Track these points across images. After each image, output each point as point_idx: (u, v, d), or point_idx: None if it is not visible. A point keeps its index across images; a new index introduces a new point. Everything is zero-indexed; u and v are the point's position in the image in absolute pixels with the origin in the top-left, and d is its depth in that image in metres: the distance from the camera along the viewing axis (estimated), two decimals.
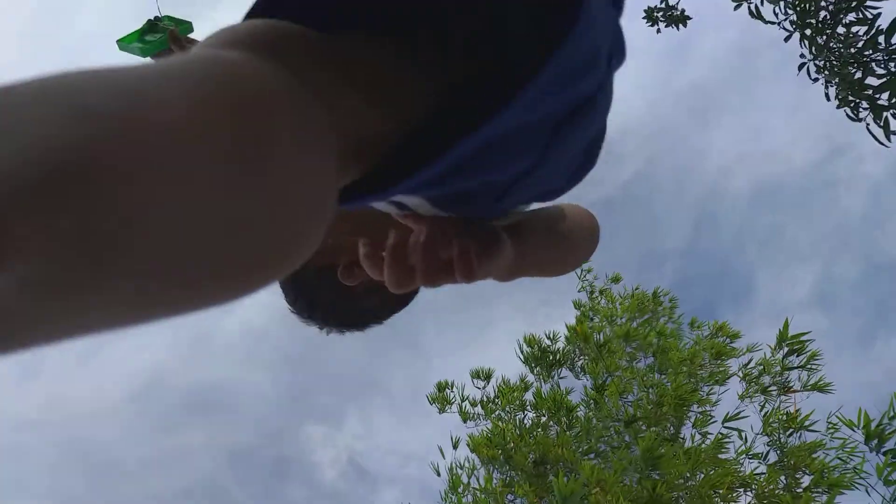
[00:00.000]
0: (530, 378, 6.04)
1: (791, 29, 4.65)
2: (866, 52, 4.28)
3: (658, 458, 4.39)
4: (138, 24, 1.39)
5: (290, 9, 0.41)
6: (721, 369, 5.65)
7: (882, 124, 4.35)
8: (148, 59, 1.40)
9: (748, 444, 5.01)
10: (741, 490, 4.73)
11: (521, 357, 6.03)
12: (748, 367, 5.42)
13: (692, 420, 5.42)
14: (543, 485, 5.12)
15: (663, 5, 5.44)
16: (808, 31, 4.57)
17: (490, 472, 5.28)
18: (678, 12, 5.44)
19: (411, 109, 0.45)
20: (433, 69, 0.48)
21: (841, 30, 4.43)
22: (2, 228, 0.16)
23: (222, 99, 0.25)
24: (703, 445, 5.12)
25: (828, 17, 4.46)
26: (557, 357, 5.92)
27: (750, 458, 4.94)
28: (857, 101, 4.48)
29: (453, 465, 5.39)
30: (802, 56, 4.74)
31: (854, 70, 4.47)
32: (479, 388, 5.98)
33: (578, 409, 5.73)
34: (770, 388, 5.22)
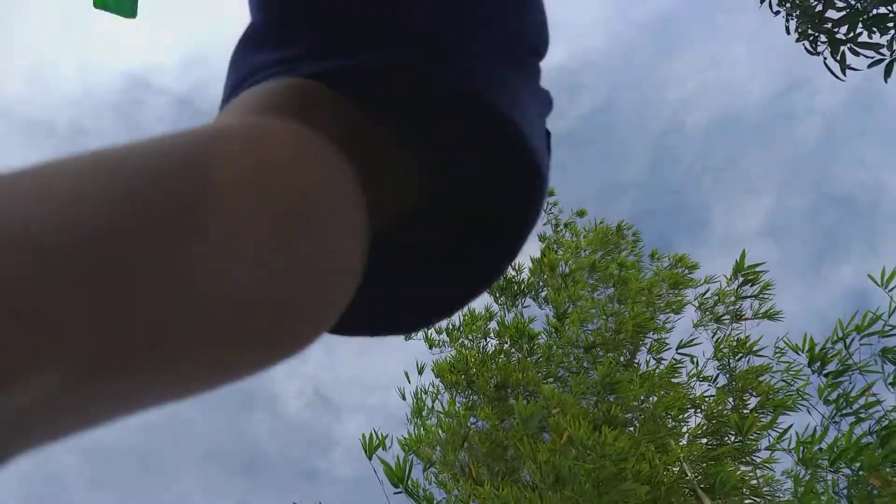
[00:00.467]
0: (495, 308, 6.12)
1: None
2: None
3: (616, 383, 4.56)
4: None
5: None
6: (678, 299, 5.84)
7: (839, 58, 4.38)
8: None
9: (699, 368, 5.26)
10: (691, 411, 4.98)
11: None
12: (704, 296, 5.62)
13: (648, 346, 5.63)
14: (504, 408, 5.28)
15: None
16: None
17: (453, 396, 5.41)
18: None
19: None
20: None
21: None
22: None
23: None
24: (658, 370, 5.35)
25: None
26: (522, 287, 5.99)
27: (700, 382, 5.20)
28: (817, 34, 4.48)
29: (418, 389, 5.50)
30: None
31: (815, 3, 4.43)
32: None
33: (540, 337, 5.86)
34: (723, 317, 5.44)
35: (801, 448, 3.86)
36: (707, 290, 5.69)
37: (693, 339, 5.39)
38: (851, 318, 3.93)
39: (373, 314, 0.32)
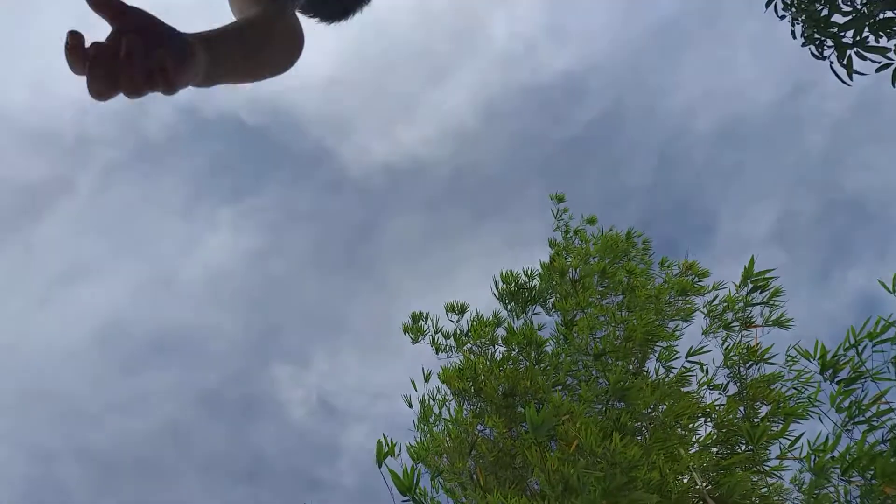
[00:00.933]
0: (504, 314, 6.11)
1: None
2: None
3: (626, 390, 4.53)
4: None
5: None
6: (687, 306, 5.81)
7: (845, 63, 4.36)
8: None
9: (709, 376, 5.21)
10: (702, 419, 4.94)
11: (496, 293, 6.08)
12: (713, 303, 5.58)
13: (657, 354, 5.59)
14: (512, 416, 5.26)
15: None
16: None
17: (461, 403, 5.39)
18: None
19: None
20: None
21: None
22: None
23: None
24: (667, 379, 5.31)
25: None
26: (533, 294, 5.98)
27: (711, 390, 5.15)
28: (823, 39, 4.46)
29: (425, 396, 5.49)
30: None
31: (821, 7, 4.42)
32: (452, 322, 6.04)
33: (547, 344, 5.84)
34: (732, 324, 5.39)
35: (813, 457, 3.81)
36: (716, 297, 5.65)
37: (702, 347, 5.36)
38: (864, 324, 3.89)
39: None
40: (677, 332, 5.72)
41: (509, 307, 6.10)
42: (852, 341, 3.98)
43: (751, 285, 5.26)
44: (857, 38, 4.24)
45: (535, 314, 6.11)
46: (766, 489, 4.37)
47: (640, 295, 5.73)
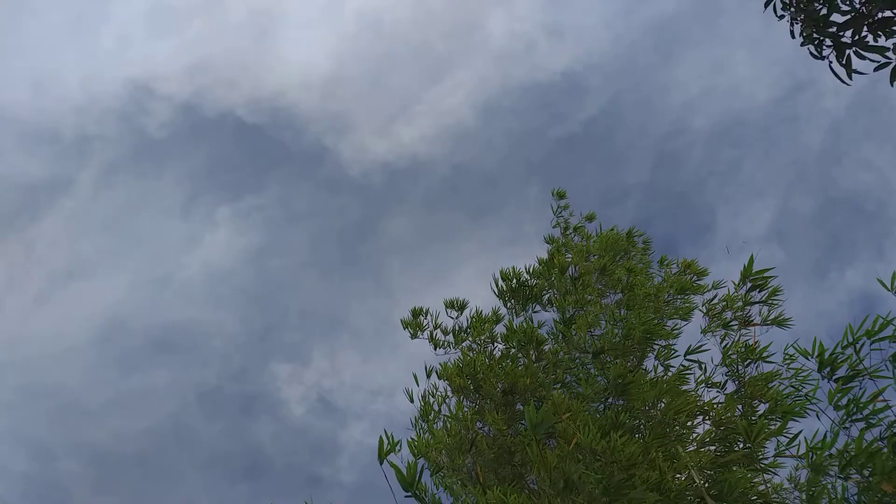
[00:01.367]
0: (503, 311, 6.12)
1: None
2: None
3: (627, 385, 4.54)
4: None
5: None
6: (685, 304, 5.82)
7: (844, 62, 4.37)
8: None
9: (707, 374, 5.23)
10: (700, 417, 4.95)
11: (496, 291, 6.08)
12: (712, 302, 5.60)
13: (655, 352, 5.61)
14: (511, 413, 5.27)
15: None
16: None
17: (460, 400, 5.40)
18: None
19: None
20: None
21: None
22: None
23: None
24: (666, 377, 5.32)
25: None
26: (533, 291, 5.99)
27: (709, 388, 5.17)
28: (821, 38, 4.48)
29: (426, 392, 5.50)
30: None
31: (819, 6, 4.43)
32: (452, 318, 6.05)
33: (547, 342, 5.85)
34: (731, 323, 5.41)
35: (811, 454, 3.83)
36: (715, 296, 5.67)
37: (701, 346, 5.37)
38: (861, 322, 3.91)
39: None
40: (675, 331, 5.74)
41: (509, 304, 6.11)
42: (850, 339, 4.00)
43: (749, 284, 5.28)
44: (856, 37, 4.26)
45: (534, 312, 6.12)
46: (763, 486, 4.39)
47: (640, 293, 5.75)
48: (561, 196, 7.13)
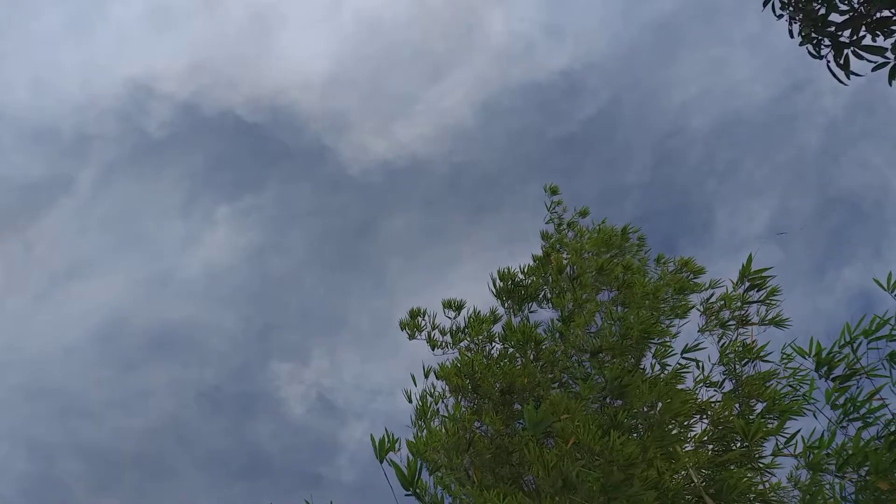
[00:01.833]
0: (501, 311, 6.12)
1: None
2: None
3: (625, 387, 4.54)
4: None
5: None
6: (682, 303, 5.82)
7: (842, 62, 4.38)
8: None
9: (705, 373, 5.23)
10: (697, 416, 4.96)
11: (493, 291, 6.08)
12: (709, 301, 5.60)
13: (653, 351, 5.61)
14: (509, 413, 5.27)
15: None
16: None
17: (458, 400, 5.40)
18: None
19: None
20: None
21: None
22: None
23: None
24: (663, 375, 5.33)
25: None
26: (529, 291, 5.99)
27: (707, 387, 5.17)
28: (820, 38, 4.49)
29: (424, 392, 5.50)
30: None
31: (818, 6, 4.44)
32: (449, 319, 6.05)
33: (545, 342, 5.85)
34: (729, 322, 5.42)
35: (809, 453, 3.84)
36: (712, 295, 5.67)
37: (698, 344, 5.37)
38: (859, 322, 3.92)
39: None
40: (673, 329, 5.75)
41: (506, 304, 6.11)
42: (847, 338, 4.01)
43: (747, 283, 5.29)
44: (855, 37, 4.27)
45: (531, 312, 6.12)
46: (762, 486, 4.40)
47: (637, 291, 5.75)
48: (554, 192, 7.14)
